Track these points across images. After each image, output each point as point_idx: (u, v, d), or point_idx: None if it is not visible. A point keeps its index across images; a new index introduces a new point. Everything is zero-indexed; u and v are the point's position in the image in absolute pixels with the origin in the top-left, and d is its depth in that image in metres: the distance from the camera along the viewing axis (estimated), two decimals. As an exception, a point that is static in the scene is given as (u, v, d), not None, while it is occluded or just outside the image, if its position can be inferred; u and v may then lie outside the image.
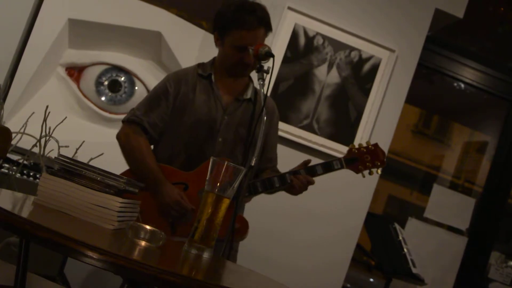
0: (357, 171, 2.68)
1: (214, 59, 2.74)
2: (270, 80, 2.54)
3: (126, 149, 2.60)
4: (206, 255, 1.73)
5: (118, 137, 2.63)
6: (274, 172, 2.73)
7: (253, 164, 2.21)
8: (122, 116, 3.72)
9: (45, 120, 2.96)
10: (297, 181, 2.55)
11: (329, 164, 2.62)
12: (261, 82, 2.42)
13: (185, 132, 2.58)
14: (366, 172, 2.69)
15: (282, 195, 3.44)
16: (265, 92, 2.38)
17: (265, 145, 2.69)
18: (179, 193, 2.48)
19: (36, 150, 2.99)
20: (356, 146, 2.69)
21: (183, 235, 2.43)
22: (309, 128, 3.93)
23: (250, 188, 2.55)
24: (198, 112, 2.58)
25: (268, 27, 2.59)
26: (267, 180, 2.58)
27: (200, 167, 2.53)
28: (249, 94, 2.68)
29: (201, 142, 2.58)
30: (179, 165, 2.57)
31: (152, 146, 2.66)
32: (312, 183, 2.57)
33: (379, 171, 2.71)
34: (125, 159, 2.60)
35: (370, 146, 2.68)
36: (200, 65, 2.72)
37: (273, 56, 2.43)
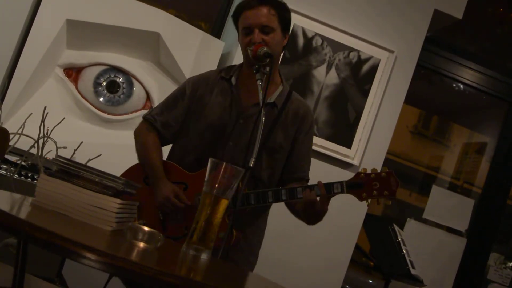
0: (360, 198, 2.40)
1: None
2: (268, 81, 2.53)
3: (137, 144, 2.64)
4: (204, 256, 1.72)
5: (134, 132, 2.67)
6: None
7: (251, 165, 2.19)
8: (120, 117, 3.78)
9: (43, 121, 2.95)
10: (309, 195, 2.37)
11: (329, 186, 2.41)
12: (260, 83, 2.41)
13: (197, 136, 2.54)
14: (373, 200, 2.39)
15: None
16: (263, 93, 2.36)
17: (291, 152, 2.57)
18: (174, 190, 2.44)
19: (34, 151, 2.99)
20: (368, 171, 2.40)
21: (174, 235, 2.42)
22: (308, 129, 3.92)
23: (259, 197, 2.44)
24: (210, 115, 2.53)
25: (273, 5, 2.54)
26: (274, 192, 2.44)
27: (203, 169, 2.47)
28: (273, 98, 2.57)
29: (210, 146, 2.52)
30: (188, 168, 2.53)
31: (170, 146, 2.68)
32: (314, 198, 2.37)
33: (390, 202, 2.40)
34: (136, 153, 2.63)
35: (383, 173, 2.37)
36: (226, 68, 2.68)
37: (271, 56, 2.41)
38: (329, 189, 2.40)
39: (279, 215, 3.86)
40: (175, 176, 2.51)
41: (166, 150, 2.67)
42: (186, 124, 2.59)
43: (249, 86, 2.56)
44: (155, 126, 2.59)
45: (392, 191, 2.35)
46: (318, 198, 2.40)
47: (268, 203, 2.48)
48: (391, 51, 4.03)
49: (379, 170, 2.39)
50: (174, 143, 2.66)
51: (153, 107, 2.68)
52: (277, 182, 2.61)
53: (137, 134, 2.65)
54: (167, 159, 2.63)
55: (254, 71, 2.44)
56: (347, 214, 3.97)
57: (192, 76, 2.72)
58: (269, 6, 2.53)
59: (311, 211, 2.45)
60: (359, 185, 2.40)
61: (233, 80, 2.59)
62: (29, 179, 3.10)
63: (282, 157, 2.58)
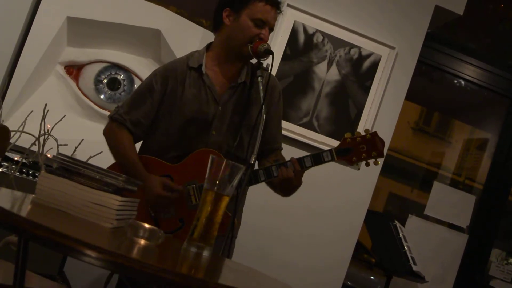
0: (350, 163, 2.44)
1: (208, 46, 2.64)
2: (269, 78, 2.53)
3: (110, 144, 2.59)
4: (205, 253, 1.72)
5: (104, 132, 2.61)
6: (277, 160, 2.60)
7: (252, 162, 2.20)
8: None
9: (43, 118, 2.95)
10: (284, 172, 2.41)
11: (319, 156, 2.43)
12: (261, 80, 2.41)
13: (176, 130, 2.51)
14: (362, 163, 2.47)
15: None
16: (264, 92, 2.37)
17: (266, 125, 2.52)
18: (161, 183, 2.42)
19: (35, 148, 2.98)
20: (352, 135, 2.46)
21: (169, 229, 2.41)
22: (309, 125, 3.92)
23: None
24: (188, 109, 2.50)
25: (280, 11, 2.56)
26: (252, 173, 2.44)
27: (186, 159, 2.48)
28: (243, 77, 2.57)
29: (193, 138, 2.51)
30: (169, 160, 2.51)
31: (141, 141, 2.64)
32: (291, 175, 2.40)
33: (379, 162, 2.47)
34: (111, 154, 2.59)
35: (367, 136, 2.44)
36: (191, 55, 2.62)
37: (272, 53, 2.42)
38: (319, 158, 2.43)
39: (279, 214, 3.87)
40: (157, 170, 2.48)
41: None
42: (158, 120, 2.55)
43: (218, 70, 2.57)
44: (125, 126, 2.54)
45: (379, 151, 2.43)
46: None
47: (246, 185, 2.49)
48: (392, 48, 4.02)
49: (362, 133, 2.46)
50: (147, 139, 2.61)
51: (118, 106, 2.59)
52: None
53: (108, 133, 2.59)
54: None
55: (256, 68, 2.45)
56: (348, 211, 3.98)
57: (156, 69, 2.67)
58: (278, 11, 2.55)
59: (287, 186, 2.46)
60: (348, 150, 2.44)
61: (203, 68, 2.55)
62: (30, 177, 3.10)
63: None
